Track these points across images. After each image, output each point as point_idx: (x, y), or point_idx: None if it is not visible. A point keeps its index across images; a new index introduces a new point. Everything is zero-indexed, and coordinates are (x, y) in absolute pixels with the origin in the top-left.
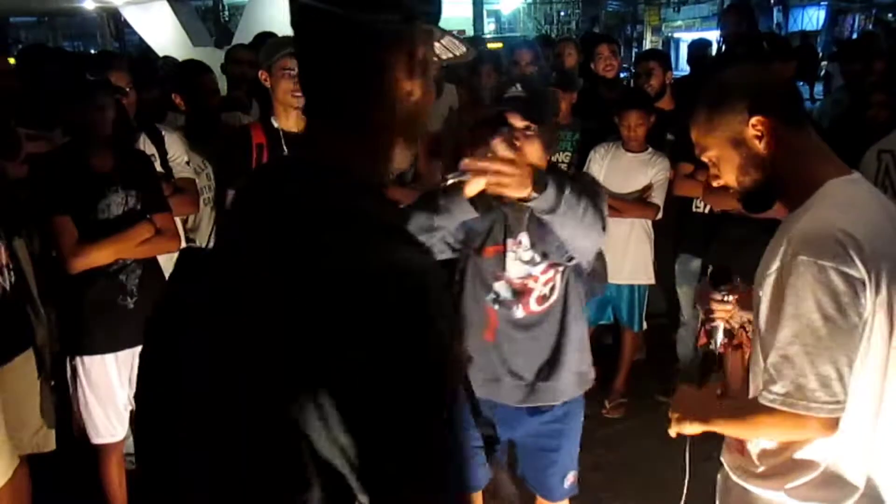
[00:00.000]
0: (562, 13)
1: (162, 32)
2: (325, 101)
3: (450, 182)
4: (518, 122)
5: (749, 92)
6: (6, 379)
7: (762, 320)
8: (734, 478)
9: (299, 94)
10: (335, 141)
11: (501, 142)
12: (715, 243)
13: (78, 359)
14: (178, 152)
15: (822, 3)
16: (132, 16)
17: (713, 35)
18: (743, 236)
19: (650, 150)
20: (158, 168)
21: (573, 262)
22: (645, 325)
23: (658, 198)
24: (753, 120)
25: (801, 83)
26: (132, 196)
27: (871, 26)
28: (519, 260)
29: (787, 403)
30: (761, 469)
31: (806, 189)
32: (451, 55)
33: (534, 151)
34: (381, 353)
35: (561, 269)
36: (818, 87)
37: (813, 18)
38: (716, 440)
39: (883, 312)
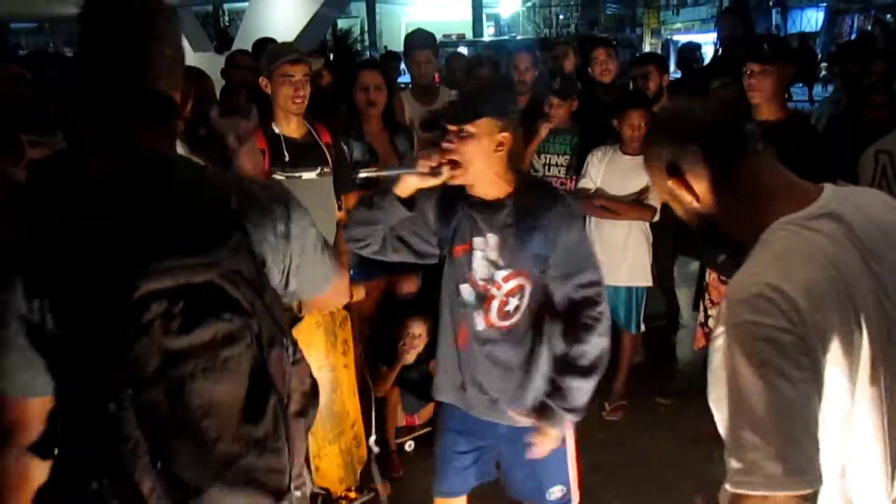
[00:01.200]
0: (560, 16)
1: None
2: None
3: (361, 176)
4: (450, 126)
5: (665, 156)
6: None
7: (710, 397)
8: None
9: (300, 100)
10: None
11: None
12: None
13: None
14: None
15: (820, 4)
16: None
17: (712, 37)
18: None
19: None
20: None
21: (545, 274)
22: (643, 328)
23: (655, 200)
24: (670, 183)
25: (800, 84)
26: None
27: (869, 27)
28: (486, 259)
29: (751, 486)
30: None
31: (752, 234)
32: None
33: (469, 150)
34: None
35: (528, 283)
36: (818, 89)
37: (811, 20)
38: (719, 441)
39: (837, 366)
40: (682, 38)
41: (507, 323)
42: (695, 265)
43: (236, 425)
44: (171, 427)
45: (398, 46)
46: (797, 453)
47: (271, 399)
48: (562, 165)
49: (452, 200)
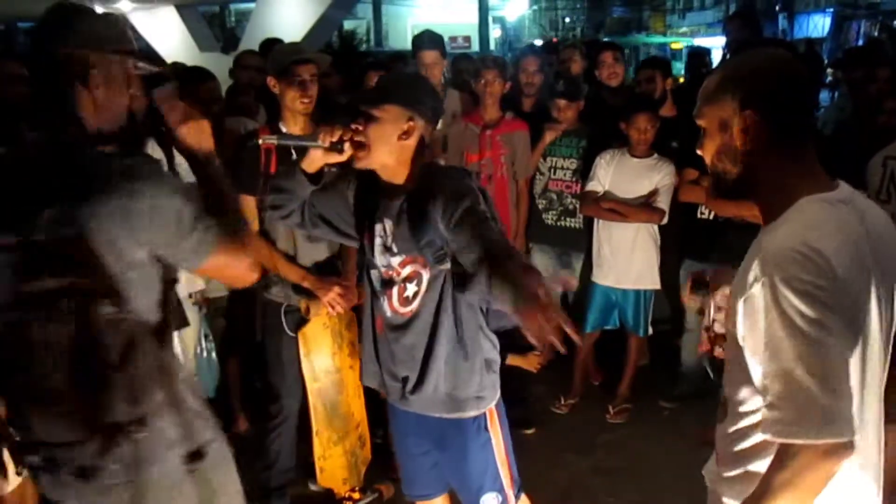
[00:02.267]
0: (566, 19)
1: (169, 38)
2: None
3: (263, 141)
4: (360, 107)
5: (757, 84)
6: None
7: (740, 337)
8: (710, 486)
9: (307, 100)
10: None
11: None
12: (718, 250)
13: None
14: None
15: (827, 10)
16: (139, 21)
17: (718, 41)
18: (747, 243)
19: (655, 155)
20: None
21: (445, 265)
22: (651, 331)
23: (663, 202)
24: (745, 112)
25: None
26: None
27: (876, 33)
28: (383, 245)
29: (799, 434)
30: (729, 474)
31: (780, 203)
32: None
33: (373, 133)
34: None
35: (425, 270)
36: (824, 94)
37: (818, 25)
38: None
39: (861, 337)
40: (692, 42)
41: (407, 309)
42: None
43: (68, 365)
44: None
45: (404, 48)
46: (839, 402)
47: (98, 347)
48: (568, 168)
49: (367, 189)
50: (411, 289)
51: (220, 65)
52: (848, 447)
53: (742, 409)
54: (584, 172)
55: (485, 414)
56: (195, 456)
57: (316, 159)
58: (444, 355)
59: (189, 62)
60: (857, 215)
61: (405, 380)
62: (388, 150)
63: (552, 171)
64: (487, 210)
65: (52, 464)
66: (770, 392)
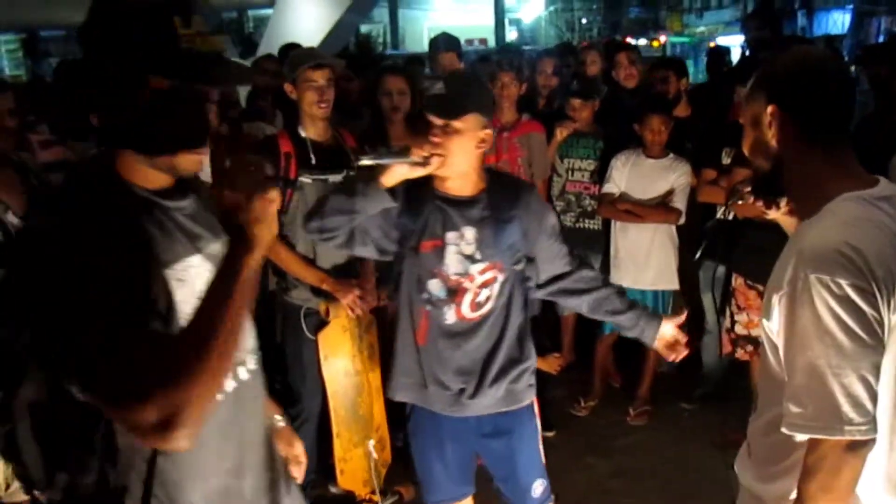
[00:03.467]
0: (583, 20)
1: None
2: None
3: (363, 163)
4: (436, 120)
5: (780, 80)
6: None
7: (774, 335)
8: (743, 481)
9: (324, 104)
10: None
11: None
12: (738, 250)
13: None
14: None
15: (847, 6)
16: None
17: (736, 40)
18: (767, 243)
19: (671, 155)
20: None
21: (519, 266)
22: None
23: (680, 202)
24: (770, 108)
25: None
26: None
27: None
28: (460, 254)
29: (824, 430)
30: (763, 470)
31: (816, 200)
32: None
33: (453, 145)
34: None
35: (501, 274)
36: None
37: (838, 22)
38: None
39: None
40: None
41: (477, 314)
42: (720, 270)
43: None
44: None
45: (420, 50)
46: (859, 402)
47: None
48: (586, 170)
49: (420, 196)
50: (484, 293)
51: None
52: (868, 444)
53: (775, 403)
54: (601, 174)
55: (532, 402)
56: None
57: (398, 174)
58: (508, 352)
59: None
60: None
61: (463, 385)
62: (467, 159)
63: (570, 172)
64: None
65: None
66: (792, 384)
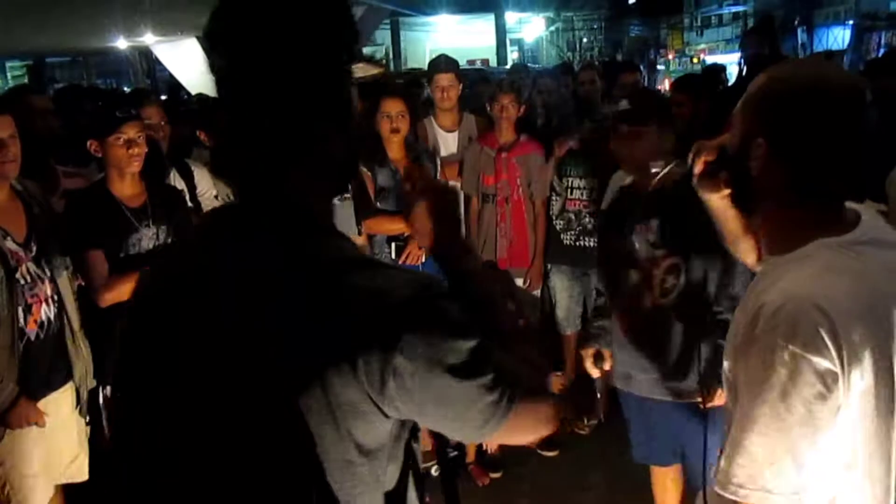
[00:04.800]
0: (584, 39)
1: (191, 69)
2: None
3: None
4: (623, 128)
5: (779, 115)
6: (49, 409)
7: (735, 378)
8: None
9: None
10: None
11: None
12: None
13: (109, 388)
14: (206, 186)
15: (847, 22)
16: (162, 53)
17: (736, 57)
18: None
19: None
20: (189, 203)
21: (700, 254)
22: None
23: None
24: (759, 140)
25: None
26: (163, 230)
27: None
28: (646, 241)
29: (737, 493)
30: None
31: (789, 240)
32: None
33: (642, 144)
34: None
35: (683, 263)
36: None
37: (838, 37)
38: None
39: (864, 400)
40: (707, 59)
41: (666, 299)
42: None
43: None
44: None
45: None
46: (796, 476)
47: None
48: (585, 188)
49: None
50: (670, 280)
51: None
52: None
53: None
54: (601, 191)
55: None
56: None
57: None
58: (701, 336)
59: (211, 93)
60: (883, 255)
61: (663, 367)
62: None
63: (569, 190)
64: None
65: None
66: (729, 438)
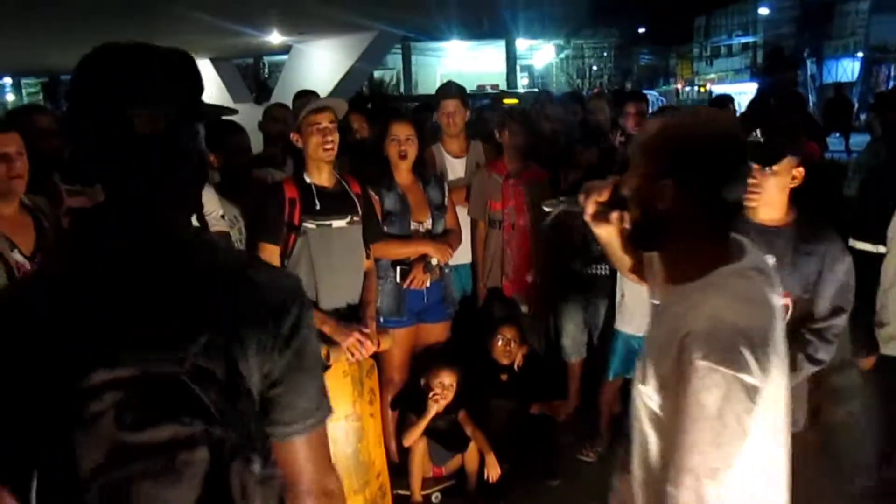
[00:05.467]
0: (594, 67)
1: (205, 90)
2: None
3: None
4: (755, 165)
5: (684, 156)
6: None
7: (650, 401)
8: None
9: (329, 146)
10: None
11: None
12: None
13: None
14: (213, 206)
15: (856, 54)
16: None
17: (744, 87)
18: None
19: None
20: (195, 222)
21: (807, 297)
22: None
23: None
24: (668, 181)
25: (837, 134)
26: None
27: None
28: None
29: None
30: None
31: (693, 268)
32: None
33: (773, 187)
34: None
35: (791, 304)
36: (856, 138)
37: (847, 69)
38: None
39: (764, 406)
40: (716, 89)
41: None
42: None
43: None
44: None
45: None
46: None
47: None
48: None
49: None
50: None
51: (252, 115)
52: None
53: (644, 462)
54: None
55: None
56: None
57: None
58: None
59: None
60: (769, 283)
61: None
62: (781, 195)
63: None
64: None
65: None
66: (675, 461)
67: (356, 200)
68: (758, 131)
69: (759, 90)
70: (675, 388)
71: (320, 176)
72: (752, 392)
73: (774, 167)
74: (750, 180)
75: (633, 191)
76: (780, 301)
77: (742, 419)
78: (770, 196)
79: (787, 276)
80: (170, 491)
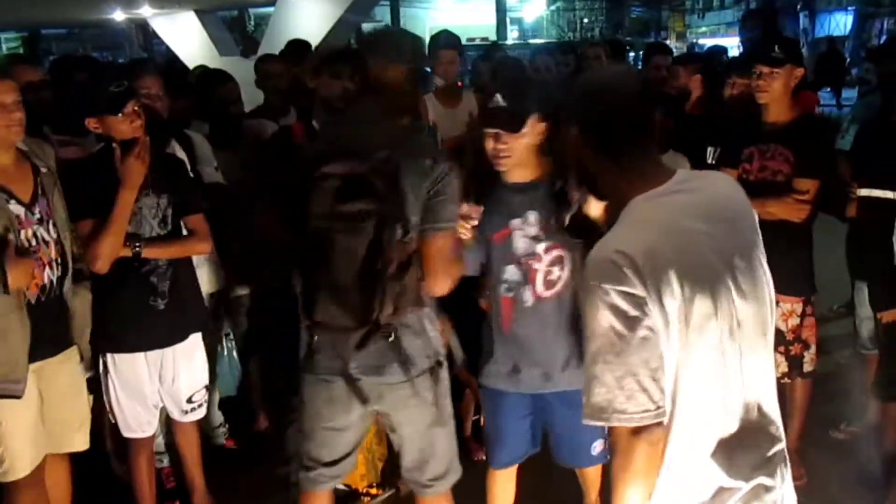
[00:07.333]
0: (585, 20)
1: (189, 42)
2: None
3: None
4: (498, 132)
5: (577, 106)
6: (47, 374)
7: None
8: None
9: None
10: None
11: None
12: None
13: (109, 356)
14: (207, 154)
15: (849, 8)
16: (160, 26)
17: (737, 41)
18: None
19: (671, 152)
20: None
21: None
22: None
23: None
24: (574, 131)
25: (829, 89)
26: (164, 200)
27: None
28: (526, 236)
29: (601, 418)
30: None
31: (618, 207)
32: None
33: (518, 146)
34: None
35: (567, 253)
36: (848, 93)
37: (840, 23)
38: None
39: (680, 322)
40: (708, 42)
41: (552, 292)
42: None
43: (358, 268)
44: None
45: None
46: (643, 394)
47: (380, 257)
48: None
49: (479, 193)
50: (556, 272)
51: (239, 68)
52: (651, 429)
53: None
54: None
55: None
56: (436, 367)
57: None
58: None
59: (211, 65)
60: (687, 199)
61: (553, 360)
62: (530, 152)
63: None
64: None
65: (327, 342)
66: (584, 375)
67: None
68: (498, 96)
69: (740, 45)
70: (584, 309)
71: None
72: (637, 301)
73: (523, 130)
74: (499, 145)
75: (565, 146)
76: (705, 224)
77: (635, 328)
78: (520, 157)
79: (555, 227)
80: (353, 240)
